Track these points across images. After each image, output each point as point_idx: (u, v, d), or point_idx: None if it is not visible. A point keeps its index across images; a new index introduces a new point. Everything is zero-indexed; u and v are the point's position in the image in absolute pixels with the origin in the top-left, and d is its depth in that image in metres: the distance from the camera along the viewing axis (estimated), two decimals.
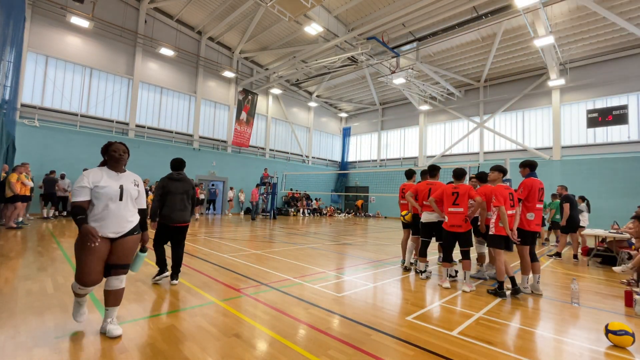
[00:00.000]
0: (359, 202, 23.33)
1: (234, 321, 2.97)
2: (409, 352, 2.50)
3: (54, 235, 7.48)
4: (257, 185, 16.21)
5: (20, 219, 8.80)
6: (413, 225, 5.54)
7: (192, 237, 8.26)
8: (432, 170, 5.40)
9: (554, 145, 16.08)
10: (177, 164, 4.21)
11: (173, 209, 4.06)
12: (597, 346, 2.80)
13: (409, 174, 5.94)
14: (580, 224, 9.53)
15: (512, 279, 4.22)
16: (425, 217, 5.09)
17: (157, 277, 4.09)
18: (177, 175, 4.18)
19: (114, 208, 2.48)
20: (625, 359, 2.60)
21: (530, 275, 4.48)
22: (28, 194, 8.88)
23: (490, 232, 4.37)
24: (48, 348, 2.31)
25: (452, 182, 4.88)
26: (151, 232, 4.12)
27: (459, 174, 4.78)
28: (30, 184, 8.92)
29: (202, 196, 15.90)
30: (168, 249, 4.32)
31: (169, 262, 4.43)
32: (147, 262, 5.10)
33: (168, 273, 4.19)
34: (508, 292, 4.25)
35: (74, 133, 13.14)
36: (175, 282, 4.08)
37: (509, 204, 4.26)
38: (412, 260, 5.67)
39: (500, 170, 4.56)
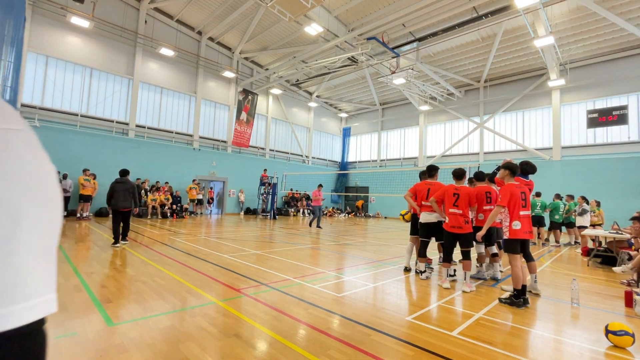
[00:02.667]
0: (359, 203, 23.33)
1: (234, 321, 2.97)
2: (409, 352, 2.50)
3: None
4: (319, 186, 12.68)
5: None
6: (411, 225, 5.54)
7: (192, 237, 8.28)
8: (431, 171, 5.38)
9: (554, 145, 16.07)
10: (121, 173, 6.80)
11: (117, 200, 6.51)
12: (597, 346, 2.80)
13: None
14: (584, 224, 9.55)
15: (524, 287, 3.83)
16: (424, 217, 5.08)
17: (115, 244, 6.39)
18: (120, 179, 6.69)
19: None
20: (625, 359, 2.60)
21: (528, 276, 4.47)
22: None
23: (505, 237, 4.12)
24: (48, 348, 2.30)
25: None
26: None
27: (459, 174, 4.76)
28: None
29: (200, 196, 15.92)
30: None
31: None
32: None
33: (122, 243, 6.59)
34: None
35: (74, 133, 13.14)
36: (125, 242, 6.70)
37: (520, 203, 3.96)
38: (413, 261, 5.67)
39: (507, 167, 4.20)
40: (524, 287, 3.86)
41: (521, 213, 3.96)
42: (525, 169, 4.69)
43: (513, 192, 3.97)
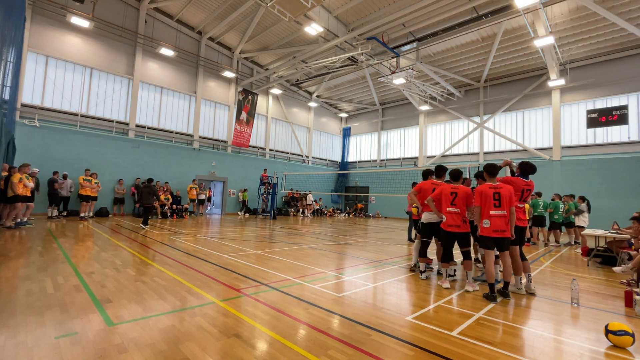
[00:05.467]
0: (359, 206, 23.31)
1: (234, 321, 2.97)
2: (409, 352, 2.50)
3: (54, 236, 7.48)
4: (414, 185, 10.02)
5: (25, 219, 8.83)
6: (414, 225, 5.54)
7: (192, 237, 8.28)
8: (439, 171, 5.35)
9: (554, 145, 16.07)
10: (147, 180, 9.99)
11: (144, 199, 9.67)
12: (597, 346, 2.80)
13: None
14: (581, 224, 9.59)
15: (491, 285, 4.03)
16: (426, 217, 5.06)
17: (144, 227, 9.46)
18: (146, 183, 9.84)
19: None
20: (625, 359, 2.60)
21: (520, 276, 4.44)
22: (29, 194, 8.92)
23: (477, 233, 4.34)
24: (48, 348, 2.31)
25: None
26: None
27: (455, 175, 4.75)
28: (30, 184, 8.94)
29: (202, 197, 15.92)
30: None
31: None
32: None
33: (145, 227, 9.51)
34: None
35: (74, 133, 13.13)
36: (147, 226, 9.59)
37: (491, 203, 4.08)
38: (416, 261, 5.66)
39: (484, 169, 4.38)
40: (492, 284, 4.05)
41: (492, 212, 4.08)
42: (525, 169, 4.65)
43: (485, 192, 4.14)
